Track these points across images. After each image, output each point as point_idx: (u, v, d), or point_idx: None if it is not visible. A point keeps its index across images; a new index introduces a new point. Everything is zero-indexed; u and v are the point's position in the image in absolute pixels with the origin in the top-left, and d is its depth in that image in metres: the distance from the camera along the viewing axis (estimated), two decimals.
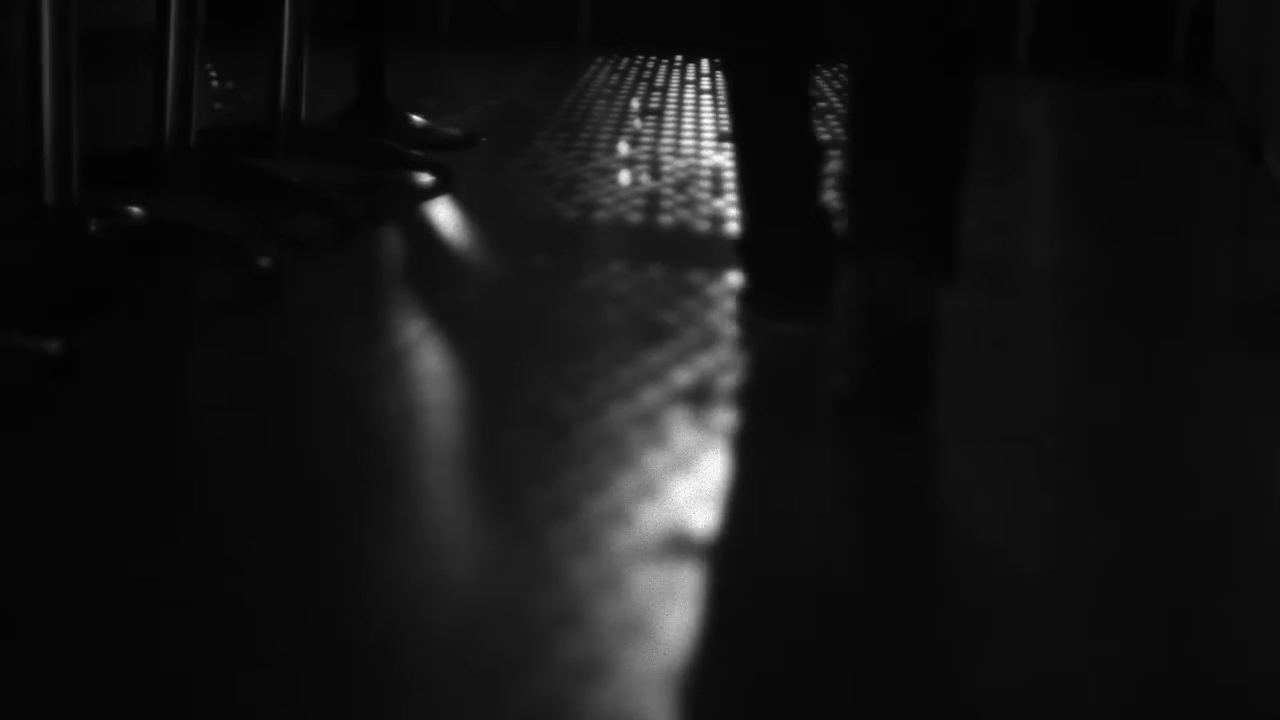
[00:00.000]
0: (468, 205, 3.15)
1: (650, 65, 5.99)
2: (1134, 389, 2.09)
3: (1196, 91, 5.66)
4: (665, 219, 3.06)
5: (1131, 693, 1.27)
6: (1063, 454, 1.86)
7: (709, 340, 2.21)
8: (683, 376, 2.03)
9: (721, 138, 4.15)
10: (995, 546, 1.55)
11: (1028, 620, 1.38)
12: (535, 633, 1.31)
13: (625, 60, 6.10)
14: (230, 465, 1.70)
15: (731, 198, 3.31)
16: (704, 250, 2.83)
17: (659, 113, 4.64)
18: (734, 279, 2.35)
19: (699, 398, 1.95)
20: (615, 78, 5.55)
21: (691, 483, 1.66)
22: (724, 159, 3.80)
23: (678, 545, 1.50)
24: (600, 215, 3.07)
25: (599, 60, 6.07)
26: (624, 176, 3.52)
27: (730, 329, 2.27)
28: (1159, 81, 5.94)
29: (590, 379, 2.00)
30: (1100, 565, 1.51)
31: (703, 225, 3.01)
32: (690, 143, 4.03)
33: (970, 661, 1.31)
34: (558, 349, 2.18)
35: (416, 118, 3.78)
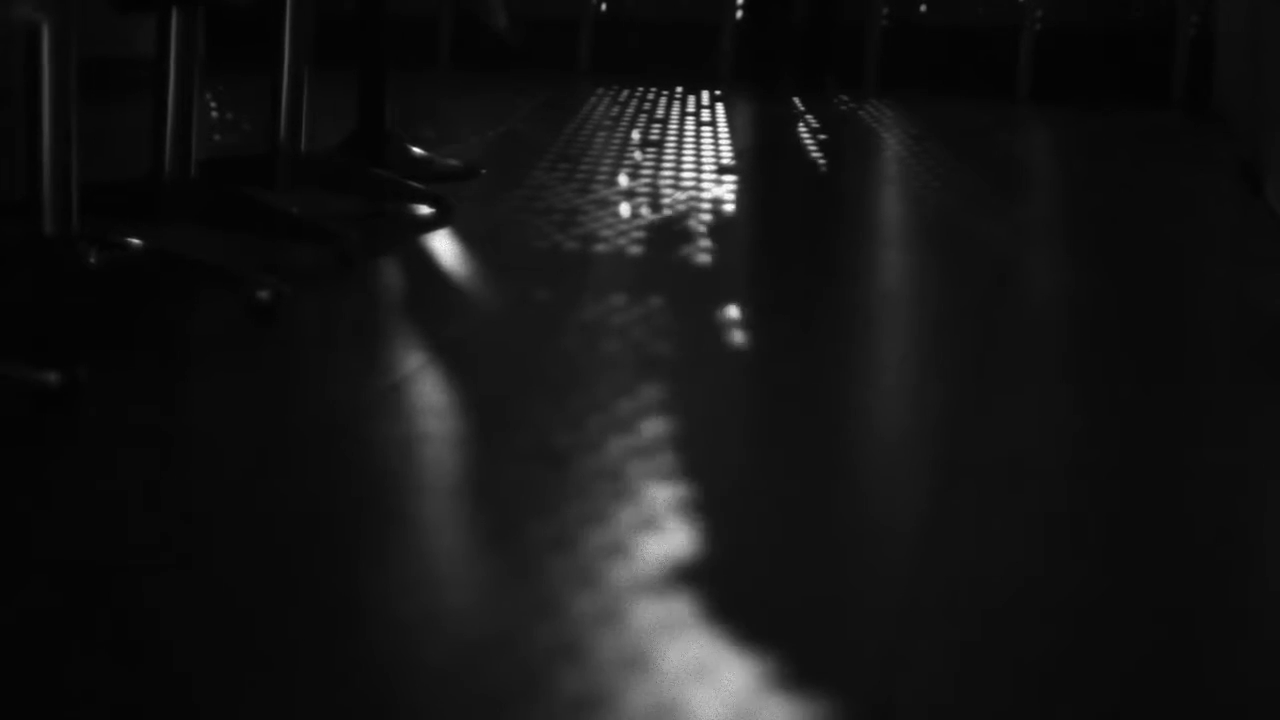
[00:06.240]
0: (467, 236, 3.15)
1: (650, 97, 6.00)
2: (1134, 418, 2.08)
3: (1196, 124, 5.67)
4: (665, 251, 3.06)
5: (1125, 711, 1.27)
6: (1062, 482, 1.85)
7: (709, 373, 2.20)
8: (682, 410, 2.02)
9: (721, 170, 4.15)
10: (987, 571, 1.54)
11: (1022, 633, 1.38)
12: (535, 665, 1.30)
13: (625, 92, 6.11)
14: (228, 496, 1.69)
15: (730, 232, 3.31)
16: (704, 283, 2.83)
17: (659, 145, 4.64)
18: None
19: (699, 431, 1.94)
20: (615, 109, 5.56)
21: (691, 517, 1.66)
22: (724, 191, 3.80)
23: (677, 578, 1.49)
24: (600, 247, 3.07)
25: (599, 91, 6.08)
26: (624, 208, 3.52)
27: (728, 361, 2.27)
28: (1165, 113, 5.95)
29: (590, 411, 2.00)
30: (1095, 590, 1.50)
31: (703, 257, 3.01)
32: (690, 175, 4.03)
33: (963, 668, 1.30)
34: (557, 381, 2.17)
35: (416, 149, 3.79)
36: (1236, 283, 3.08)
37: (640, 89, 6.22)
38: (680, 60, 6.71)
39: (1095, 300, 2.83)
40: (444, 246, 3.06)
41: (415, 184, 3.37)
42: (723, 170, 4.16)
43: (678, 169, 4.13)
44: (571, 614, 1.40)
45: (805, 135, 5.10)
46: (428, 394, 2.11)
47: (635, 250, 3.05)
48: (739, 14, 6.63)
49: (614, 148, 4.52)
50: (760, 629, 1.39)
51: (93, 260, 2.28)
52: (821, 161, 4.58)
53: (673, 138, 4.80)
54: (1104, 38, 6.39)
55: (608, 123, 5.14)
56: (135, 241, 2.39)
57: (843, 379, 2.28)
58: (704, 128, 5.09)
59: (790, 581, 1.51)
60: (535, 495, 1.72)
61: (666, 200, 3.63)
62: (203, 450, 1.88)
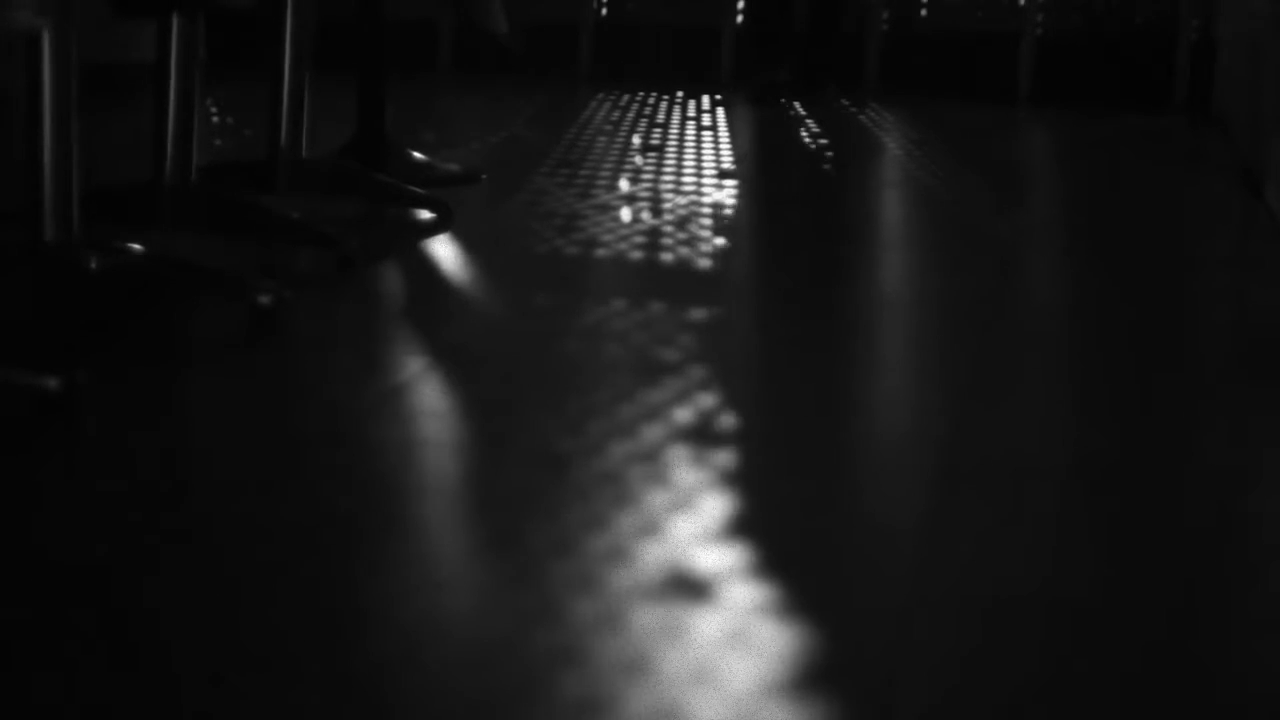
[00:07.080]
0: (468, 241, 3.15)
1: (651, 101, 6.00)
2: (1135, 422, 2.08)
3: (1197, 128, 5.67)
4: (666, 256, 3.06)
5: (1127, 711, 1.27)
6: (1063, 486, 1.85)
7: (710, 378, 2.20)
8: (683, 414, 2.02)
9: (722, 175, 4.15)
10: (987, 571, 1.54)
11: (1022, 633, 1.38)
12: (535, 670, 1.30)
13: (626, 96, 6.11)
14: (229, 500, 1.69)
15: (731, 237, 3.31)
16: (705, 287, 2.83)
17: (660, 149, 4.64)
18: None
19: (700, 436, 1.94)
20: (616, 114, 5.56)
21: (692, 521, 1.66)
22: (724, 196, 3.80)
23: (678, 584, 1.49)
24: (601, 252, 3.07)
25: (600, 96, 6.09)
26: (625, 213, 3.52)
27: (728, 366, 2.27)
28: (1170, 117, 5.95)
29: (591, 416, 2.00)
30: (1095, 590, 1.51)
31: (704, 262, 3.01)
32: (691, 179, 4.03)
33: (963, 669, 1.30)
34: (558, 386, 2.17)
35: (416, 153, 3.79)
36: (1237, 286, 3.08)
37: (641, 93, 6.23)
38: (681, 65, 6.71)
39: (1096, 303, 2.83)
40: (444, 251, 3.06)
41: (416, 189, 3.37)
42: (723, 175, 4.16)
43: (678, 173, 4.13)
44: (572, 618, 1.41)
45: (806, 139, 5.10)
46: (428, 399, 2.11)
47: (636, 255, 3.05)
48: (739, 18, 6.64)
49: (614, 152, 4.52)
50: (760, 630, 1.40)
51: (93, 266, 2.28)
52: (823, 165, 4.59)
53: (673, 142, 4.80)
54: (1105, 42, 6.39)
55: (608, 127, 5.14)
56: (136, 247, 2.39)
57: (844, 380, 2.28)
58: (704, 132, 5.09)
59: (790, 581, 1.51)
60: (536, 499, 1.72)
61: (667, 205, 3.63)
62: (203, 455, 1.88)
